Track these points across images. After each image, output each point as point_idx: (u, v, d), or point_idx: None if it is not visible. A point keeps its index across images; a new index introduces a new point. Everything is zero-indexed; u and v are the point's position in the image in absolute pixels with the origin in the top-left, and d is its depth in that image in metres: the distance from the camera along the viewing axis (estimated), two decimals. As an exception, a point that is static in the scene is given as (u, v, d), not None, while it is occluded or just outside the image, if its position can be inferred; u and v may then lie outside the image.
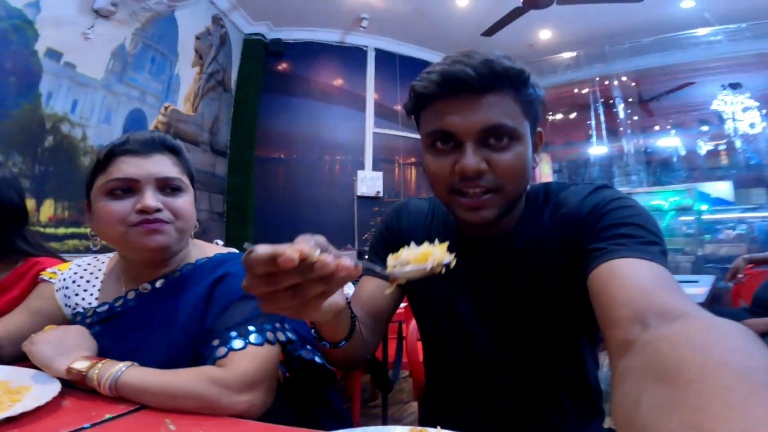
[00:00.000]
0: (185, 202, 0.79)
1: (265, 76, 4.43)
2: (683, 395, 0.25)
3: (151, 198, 0.74)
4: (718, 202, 4.37)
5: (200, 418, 0.60)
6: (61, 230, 2.58)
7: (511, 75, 0.64)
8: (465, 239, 0.76)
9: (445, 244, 0.51)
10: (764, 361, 0.26)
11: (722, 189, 4.41)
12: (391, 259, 0.50)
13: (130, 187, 0.75)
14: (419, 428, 0.51)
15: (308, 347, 0.80)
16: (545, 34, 4.75)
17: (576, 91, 5.13)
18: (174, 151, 0.82)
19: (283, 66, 4.55)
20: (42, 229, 2.43)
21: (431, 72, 0.66)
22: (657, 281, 0.48)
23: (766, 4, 3.86)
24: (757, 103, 4.29)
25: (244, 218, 4.19)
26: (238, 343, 0.70)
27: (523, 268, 0.71)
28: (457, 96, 0.64)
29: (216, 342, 0.71)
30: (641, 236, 0.57)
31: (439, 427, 0.51)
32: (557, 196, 0.73)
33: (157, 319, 0.78)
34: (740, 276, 2.42)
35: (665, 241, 0.58)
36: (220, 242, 0.98)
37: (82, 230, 2.68)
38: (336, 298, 0.54)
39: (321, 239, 0.45)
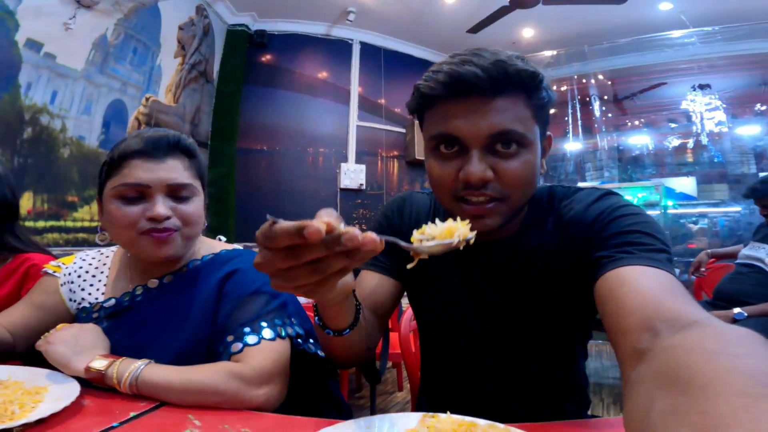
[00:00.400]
0: (195, 207, 0.79)
1: (249, 67, 4.36)
2: (694, 400, 0.25)
3: (161, 206, 0.74)
4: (683, 197, 4.57)
5: (222, 413, 0.63)
6: (41, 223, 2.51)
7: (524, 78, 0.60)
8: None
9: (467, 222, 0.50)
10: None
11: (686, 184, 4.60)
12: (416, 234, 0.49)
13: (141, 193, 0.75)
14: (430, 414, 0.53)
15: (311, 341, 0.82)
16: (528, 32, 4.83)
17: (555, 88, 5.18)
18: (188, 154, 0.81)
19: (267, 58, 4.48)
20: (21, 223, 2.37)
21: (438, 71, 0.62)
22: (664, 288, 0.48)
23: (741, 8, 4.01)
24: (724, 105, 4.49)
25: (225, 210, 4.14)
26: (252, 339, 0.72)
27: (524, 272, 0.71)
28: (465, 98, 0.61)
29: (230, 338, 0.73)
30: (648, 244, 0.56)
31: (449, 413, 0.53)
32: (562, 201, 0.72)
33: (166, 314, 0.79)
34: (703, 270, 2.51)
35: (671, 248, 0.58)
36: (223, 238, 0.99)
37: (61, 224, 2.62)
38: (347, 278, 0.52)
39: (336, 213, 0.42)
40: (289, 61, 4.53)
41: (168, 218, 0.75)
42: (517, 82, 0.60)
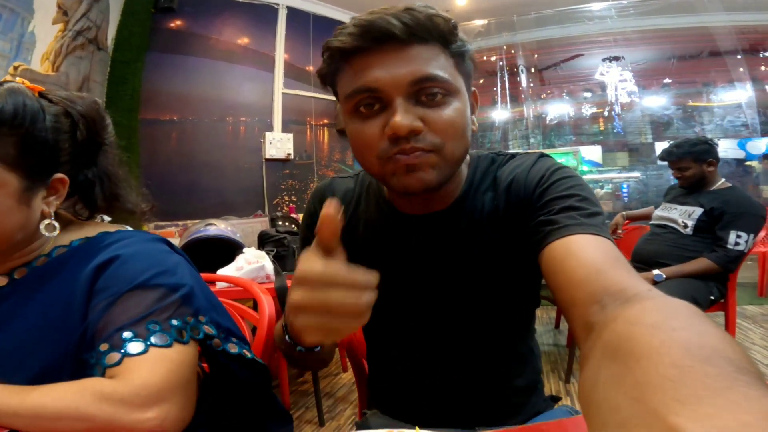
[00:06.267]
0: None
1: (154, 33, 3.80)
2: (631, 371, 0.26)
3: None
4: (591, 164, 4.95)
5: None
6: None
7: (437, 24, 0.59)
8: (400, 219, 0.71)
9: None
10: (708, 338, 0.27)
11: (594, 152, 4.96)
12: None
13: None
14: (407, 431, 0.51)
15: (233, 340, 0.67)
16: (461, 0, 4.75)
17: (485, 58, 5.27)
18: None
19: (176, 23, 3.94)
20: None
21: (346, 26, 0.59)
22: (608, 259, 0.49)
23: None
24: (633, 78, 4.81)
25: (130, 186, 3.66)
26: (135, 347, 0.56)
27: (465, 245, 0.68)
28: (380, 47, 0.57)
29: (104, 347, 0.56)
30: (586, 208, 0.58)
31: (417, 428, 0.51)
32: (500, 167, 0.71)
33: (18, 319, 0.60)
34: (619, 232, 2.67)
35: (601, 207, 0.61)
36: (107, 218, 0.77)
37: None
38: None
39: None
40: (204, 27, 4.03)
41: None
42: (431, 29, 0.58)
